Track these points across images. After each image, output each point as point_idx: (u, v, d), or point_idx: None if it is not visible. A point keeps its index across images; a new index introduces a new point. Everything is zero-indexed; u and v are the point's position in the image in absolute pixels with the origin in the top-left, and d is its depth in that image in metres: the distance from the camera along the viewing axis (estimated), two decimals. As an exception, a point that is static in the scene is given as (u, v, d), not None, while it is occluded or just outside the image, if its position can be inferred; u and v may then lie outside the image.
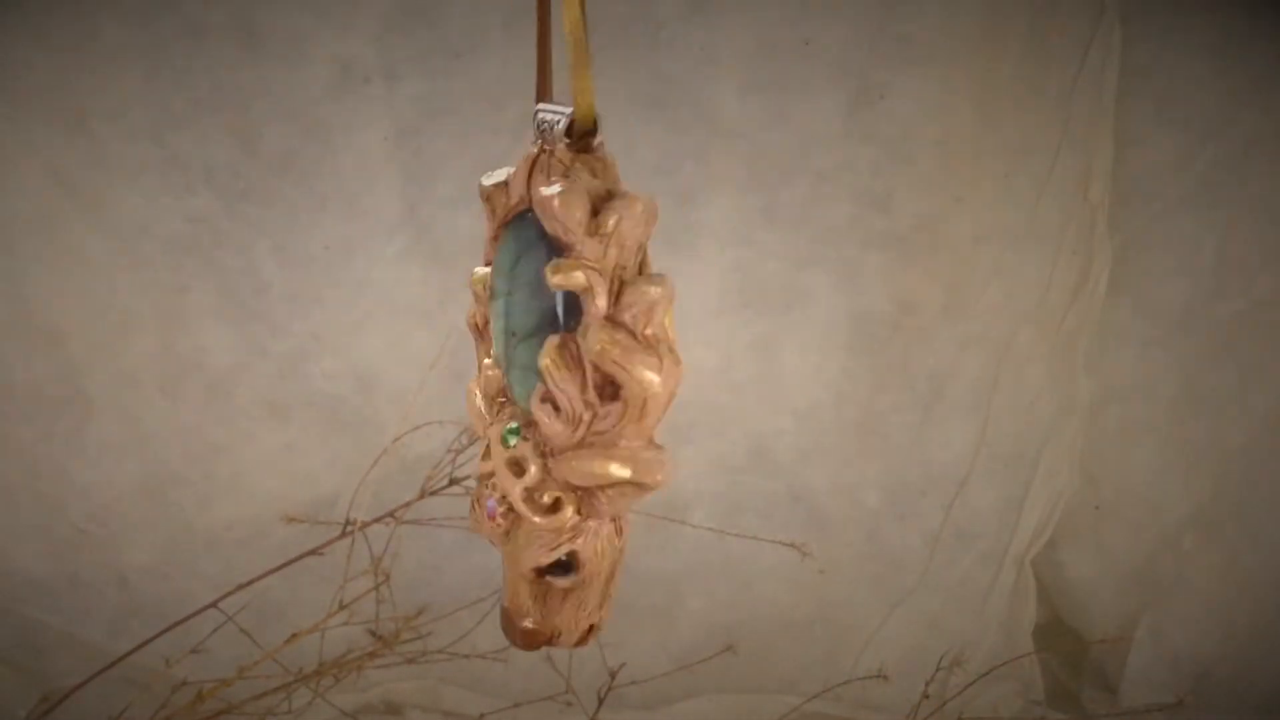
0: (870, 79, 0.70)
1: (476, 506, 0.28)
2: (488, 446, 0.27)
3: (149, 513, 0.75)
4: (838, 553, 0.80)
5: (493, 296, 0.28)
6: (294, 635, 0.64)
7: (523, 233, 0.27)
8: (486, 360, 0.28)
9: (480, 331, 0.29)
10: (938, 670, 0.70)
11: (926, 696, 0.69)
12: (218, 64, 0.66)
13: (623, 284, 0.26)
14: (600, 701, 0.68)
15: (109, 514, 0.75)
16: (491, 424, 0.27)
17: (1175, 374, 0.80)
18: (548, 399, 0.26)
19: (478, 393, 0.27)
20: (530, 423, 0.26)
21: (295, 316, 0.73)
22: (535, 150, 0.27)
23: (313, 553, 0.65)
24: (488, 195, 0.29)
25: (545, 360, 0.25)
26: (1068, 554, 0.85)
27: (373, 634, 0.68)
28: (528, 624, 0.29)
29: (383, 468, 0.66)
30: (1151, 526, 0.82)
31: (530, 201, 0.27)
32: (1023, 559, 0.83)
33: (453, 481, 0.67)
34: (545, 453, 0.26)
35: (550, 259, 0.26)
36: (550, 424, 0.26)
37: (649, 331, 0.25)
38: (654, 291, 0.25)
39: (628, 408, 0.26)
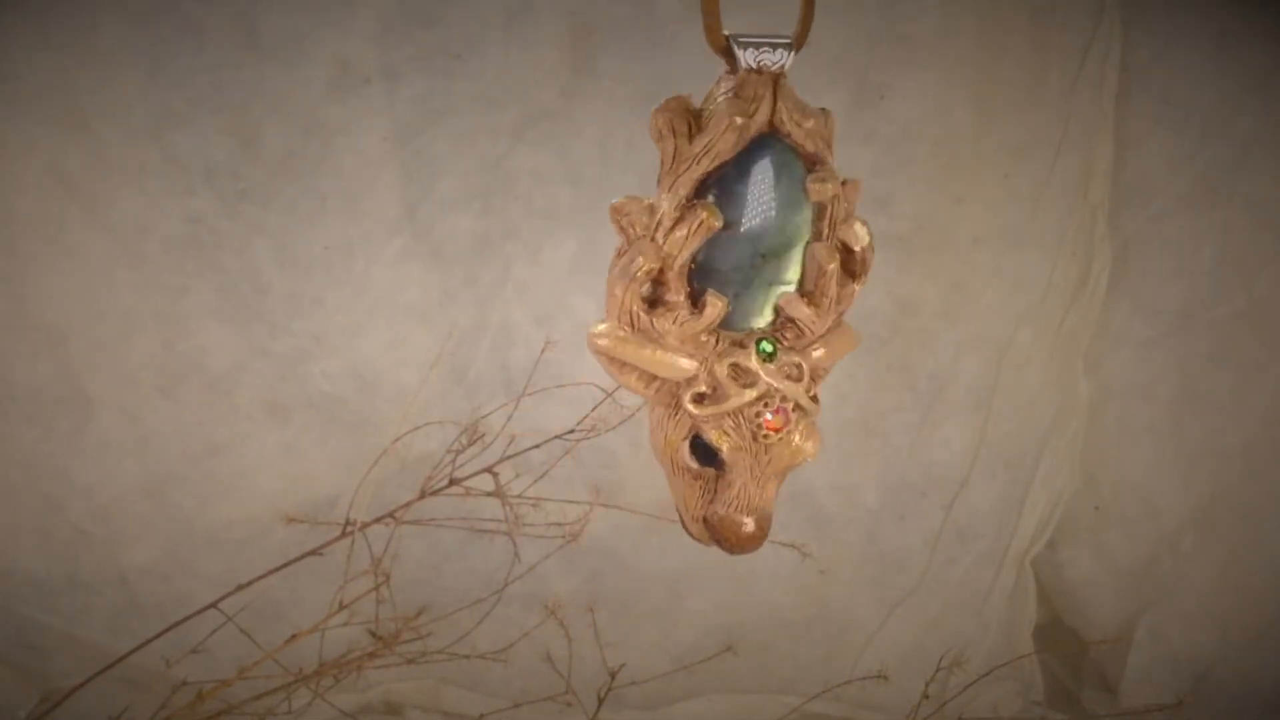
0: (870, 79, 0.70)
1: (753, 430, 0.27)
2: (726, 380, 0.27)
3: (149, 513, 0.75)
4: (837, 553, 0.80)
5: (725, 226, 0.27)
6: (294, 635, 0.64)
7: (777, 156, 0.28)
8: (677, 300, 0.27)
9: (660, 279, 0.27)
10: (938, 670, 0.70)
11: (926, 697, 0.69)
12: (218, 64, 0.66)
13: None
14: (600, 702, 0.68)
15: (109, 514, 0.75)
16: (720, 355, 0.27)
17: (1175, 374, 0.80)
18: (806, 296, 0.28)
19: (673, 333, 0.26)
20: (776, 331, 0.27)
21: (295, 317, 0.73)
22: (767, 78, 0.28)
23: (313, 553, 0.65)
24: (727, 124, 0.27)
25: (826, 261, 0.27)
26: (1068, 554, 0.85)
27: (373, 634, 0.68)
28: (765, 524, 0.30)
29: (383, 468, 0.66)
30: (1151, 526, 0.82)
31: (774, 125, 0.28)
32: (1023, 559, 0.83)
33: (453, 481, 0.67)
34: (802, 349, 0.28)
35: (804, 174, 0.28)
36: (812, 317, 0.28)
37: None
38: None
39: (858, 282, 0.29)
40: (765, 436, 0.27)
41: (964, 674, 0.73)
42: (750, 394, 0.27)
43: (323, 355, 0.74)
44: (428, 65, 0.68)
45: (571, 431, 0.65)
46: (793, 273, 0.28)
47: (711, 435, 0.27)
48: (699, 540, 0.31)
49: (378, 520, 0.66)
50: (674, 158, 0.27)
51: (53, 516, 0.74)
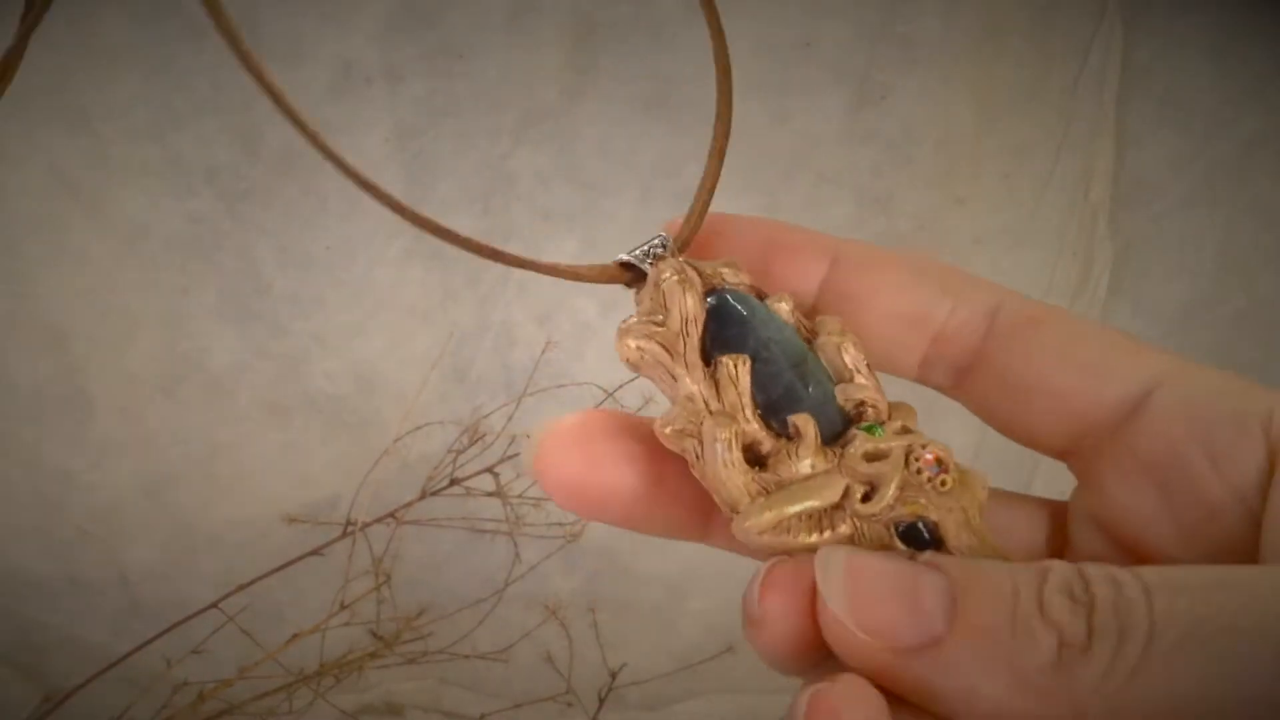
0: (871, 79, 0.70)
1: (933, 486, 0.25)
2: (869, 470, 0.25)
3: (149, 513, 0.75)
4: (838, 553, 0.80)
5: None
6: (295, 636, 0.64)
7: (733, 294, 0.27)
8: (776, 444, 0.25)
9: (747, 444, 0.26)
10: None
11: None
12: (219, 64, 0.66)
13: None
14: (601, 702, 0.68)
15: (109, 514, 0.75)
16: (844, 459, 0.25)
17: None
18: (852, 378, 0.27)
19: (799, 466, 0.25)
20: (857, 420, 0.26)
21: (296, 317, 0.73)
22: (670, 260, 0.27)
23: (313, 553, 0.65)
24: (680, 289, 0.26)
25: (838, 342, 0.27)
26: (1068, 554, 0.85)
27: (373, 634, 0.68)
28: None
29: (383, 468, 0.66)
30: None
31: (709, 283, 0.27)
32: (1023, 559, 0.83)
33: (453, 482, 0.67)
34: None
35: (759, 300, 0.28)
36: (873, 388, 0.27)
37: None
38: None
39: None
40: (943, 483, 0.25)
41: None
42: (900, 460, 0.25)
43: (324, 355, 0.74)
44: (429, 66, 0.68)
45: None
46: (823, 372, 0.27)
47: (925, 512, 0.25)
48: None
49: (378, 520, 0.66)
50: (668, 351, 0.25)
51: (53, 516, 0.74)
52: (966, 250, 0.76)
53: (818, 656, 0.22)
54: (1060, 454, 0.25)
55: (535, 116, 0.70)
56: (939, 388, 0.27)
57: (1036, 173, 0.74)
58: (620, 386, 0.63)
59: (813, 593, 0.22)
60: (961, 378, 0.26)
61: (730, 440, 0.24)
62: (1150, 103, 0.74)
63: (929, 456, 0.25)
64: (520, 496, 0.67)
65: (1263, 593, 0.18)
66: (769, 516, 0.24)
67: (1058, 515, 0.27)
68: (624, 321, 0.26)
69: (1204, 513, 0.22)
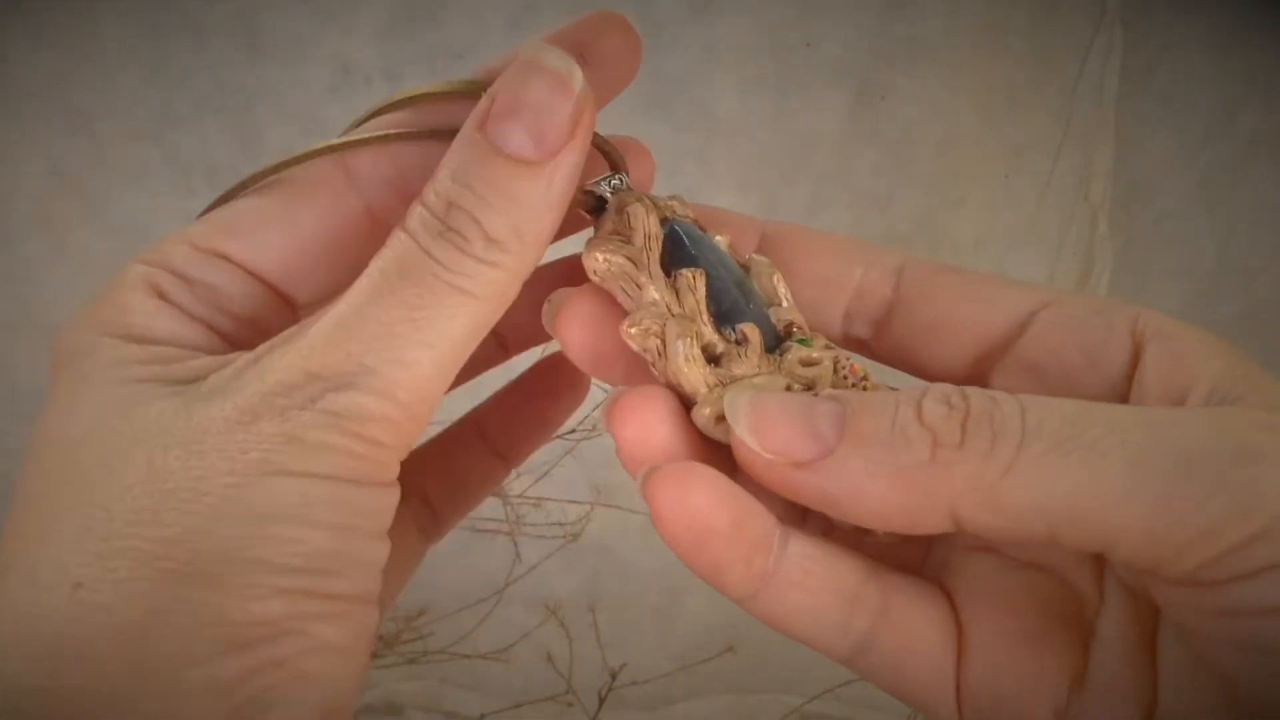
0: (871, 80, 0.70)
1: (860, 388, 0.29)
2: (803, 374, 0.29)
3: (149, 513, 0.75)
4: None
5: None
6: None
7: (681, 225, 0.30)
8: (730, 346, 0.29)
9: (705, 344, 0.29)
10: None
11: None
12: (219, 64, 0.66)
13: None
14: (601, 702, 0.68)
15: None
16: (782, 365, 0.29)
17: (1175, 374, 0.80)
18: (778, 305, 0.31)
19: (749, 364, 0.28)
20: (789, 334, 0.30)
21: (296, 317, 0.73)
22: (627, 192, 0.31)
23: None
24: (642, 210, 0.30)
25: (769, 274, 0.30)
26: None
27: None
28: None
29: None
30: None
31: (661, 214, 0.31)
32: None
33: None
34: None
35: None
36: (800, 315, 0.31)
37: None
38: None
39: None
40: (865, 387, 0.29)
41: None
42: (830, 366, 0.29)
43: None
44: (429, 66, 0.68)
45: (572, 431, 0.65)
46: (758, 296, 0.30)
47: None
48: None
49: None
50: (634, 263, 0.28)
51: (53, 516, 0.74)
52: (967, 250, 0.76)
53: (614, 369, 0.28)
54: (963, 379, 0.28)
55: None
56: (860, 341, 0.30)
57: (1036, 173, 0.74)
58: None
59: (596, 317, 0.27)
60: (878, 329, 0.29)
61: (691, 339, 0.27)
62: (1150, 103, 0.74)
63: (854, 365, 0.29)
64: (520, 496, 0.67)
65: (1122, 420, 0.21)
66: (719, 406, 0.27)
67: None
68: (589, 239, 0.29)
69: None
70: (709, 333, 0.28)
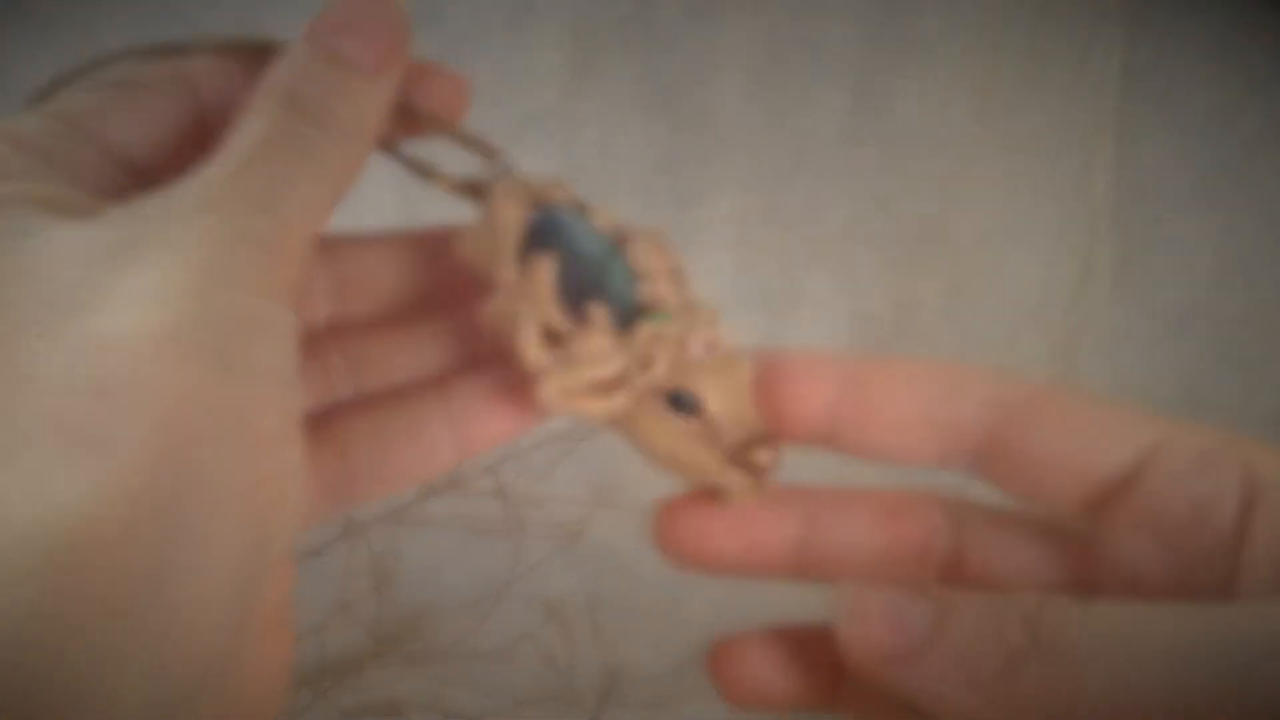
0: (871, 79, 0.70)
1: None
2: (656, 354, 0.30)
3: (149, 513, 0.75)
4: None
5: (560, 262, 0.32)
6: (294, 636, 0.64)
7: (550, 209, 0.33)
8: (567, 330, 0.30)
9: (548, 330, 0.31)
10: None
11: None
12: (218, 64, 0.66)
13: None
14: (601, 702, 0.68)
15: (109, 514, 0.75)
16: (626, 343, 0.30)
17: (1176, 374, 0.80)
18: (644, 277, 0.32)
19: (598, 347, 0.30)
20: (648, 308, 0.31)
21: (296, 317, 0.73)
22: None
23: (313, 553, 0.65)
24: (505, 194, 0.35)
25: (648, 251, 0.32)
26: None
27: (373, 635, 0.68)
28: None
29: (383, 468, 0.66)
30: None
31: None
32: (1023, 559, 0.83)
33: (453, 482, 0.67)
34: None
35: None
36: (664, 291, 0.31)
37: None
38: None
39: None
40: (706, 363, 0.30)
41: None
42: (671, 341, 0.30)
43: (323, 355, 0.74)
44: (428, 65, 0.68)
45: (572, 431, 0.65)
46: (627, 272, 0.31)
47: (692, 384, 0.30)
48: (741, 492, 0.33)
49: (378, 520, 0.66)
50: (493, 249, 0.31)
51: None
52: (966, 250, 0.76)
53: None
54: (1077, 515, 0.28)
55: (534, 116, 0.70)
56: (963, 472, 0.30)
57: (1036, 172, 0.74)
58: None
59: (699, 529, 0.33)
60: (978, 463, 0.29)
61: (532, 320, 0.30)
62: (1150, 103, 0.74)
63: (699, 340, 0.30)
64: (520, 496, 0.67)
65: (1166, 628, 0.22)
66: (558, 384, 0.29)
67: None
68: (460, 227, 0.33)
69: (1193, 560, 0.25)
70: (553, 314, 0.30)
